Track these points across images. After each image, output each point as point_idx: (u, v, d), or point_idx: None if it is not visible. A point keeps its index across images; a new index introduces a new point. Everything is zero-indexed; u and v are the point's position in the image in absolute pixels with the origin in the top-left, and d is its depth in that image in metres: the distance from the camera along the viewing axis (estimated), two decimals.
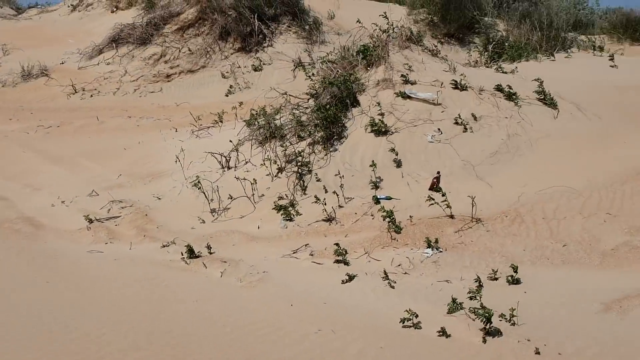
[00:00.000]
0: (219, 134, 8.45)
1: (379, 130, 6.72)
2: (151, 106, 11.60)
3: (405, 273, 4.64)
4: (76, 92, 12.14)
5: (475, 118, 6.78)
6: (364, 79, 7.38)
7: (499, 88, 7.23)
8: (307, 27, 13.44)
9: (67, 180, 7.80)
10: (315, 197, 5.81)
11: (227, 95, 12.15)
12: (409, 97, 6.99)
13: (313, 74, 8.12)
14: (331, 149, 6.72)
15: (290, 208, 6.10)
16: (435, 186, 6.05)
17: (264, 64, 12.83)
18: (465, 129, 6.69)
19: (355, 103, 7.09)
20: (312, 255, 5.08)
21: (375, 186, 6.21)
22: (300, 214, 5.94)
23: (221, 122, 9.02)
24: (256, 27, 13.21)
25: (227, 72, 12.64)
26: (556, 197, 5.60)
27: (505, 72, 8.50)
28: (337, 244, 5.01)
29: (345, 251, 5.01)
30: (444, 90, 7.09)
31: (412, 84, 7.15)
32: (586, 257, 4.77)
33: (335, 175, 6.21)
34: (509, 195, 5.75)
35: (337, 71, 7.60)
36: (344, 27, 13.93)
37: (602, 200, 5.47)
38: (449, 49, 13.50)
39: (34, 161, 8.56)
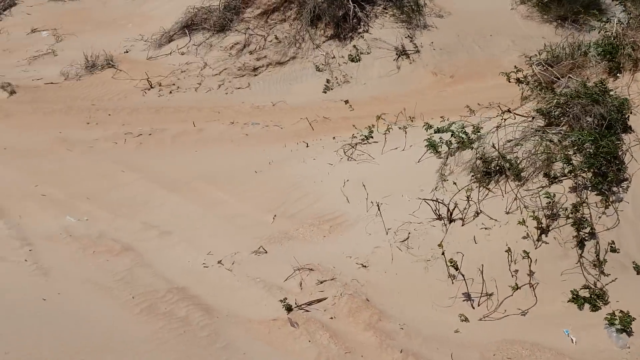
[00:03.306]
0: (381, 157, 5.97)
1: None
2: (243, 106, 9.05)
3: None
4: (152, 87, 9.54)
5: None
6: (616, 91, 4.96)
7: None
8: (405, 9, 10.85)
9: (198, 219, 5.31)
10: None
11: (325, 92, 9.65)
12: None
13: (520, 80, 5.70)
14: (612, 199, 4.35)
15: (598, 301, 3.76)
16: None
17: (361, 53, 10.28)
18: None
19: (626, 128, 4.69)
20: None
21: None
22: (633, 318, 3.60)
23: (371, 137, 6.53)
24: (351, 10, 10.61)
25: (321, 64, 10.09)
26: None
27: None
28: None
29: None
30: None
31: None
32: None
33: None
34: None
35: (569, 78, 5.17)
36: (445, 8, 11.35)
37: None
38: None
39: (140, 185, 6.04)
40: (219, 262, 4.47)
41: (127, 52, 10.99)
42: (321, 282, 4.06)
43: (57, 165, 6.45)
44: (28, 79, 9.66)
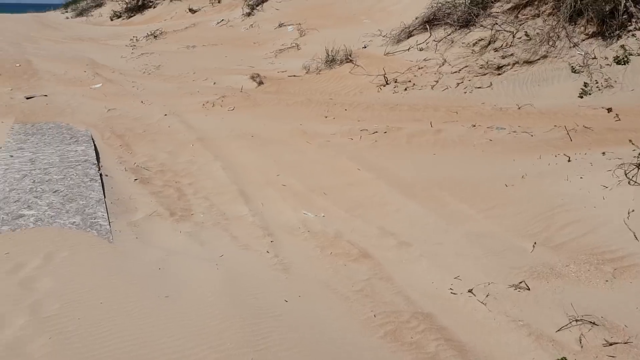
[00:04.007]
0: None
1: None
2: (484, 107, 8.22)
3: None
4: (387, 83, 9.24)
5: None
6: None
7: None
8: None
9: (439, 233, 4.63)
10: None
11: (581, 97, 8.31)
12: None
13: None
14: None
15: None
16: None
17: (630, 54, 8.63)
18: None
19: None
20: None
21: None
22: None
23: None
24: (622, 5, 8.98)
25: (578, 65, 8.72)
26: None
27: None
28: None
29: None
30: None
31: None
32: None
33: None
34: None
35: None
36: None
37: None
38: None
39: (375, 186, 5.62)
40: (470, 290, 3.79)
41: (365, 47, 10.88)
42: (610, 344, 3.12)
43: (297, 157, 6.43)
44: (274, 71, 10.11)
